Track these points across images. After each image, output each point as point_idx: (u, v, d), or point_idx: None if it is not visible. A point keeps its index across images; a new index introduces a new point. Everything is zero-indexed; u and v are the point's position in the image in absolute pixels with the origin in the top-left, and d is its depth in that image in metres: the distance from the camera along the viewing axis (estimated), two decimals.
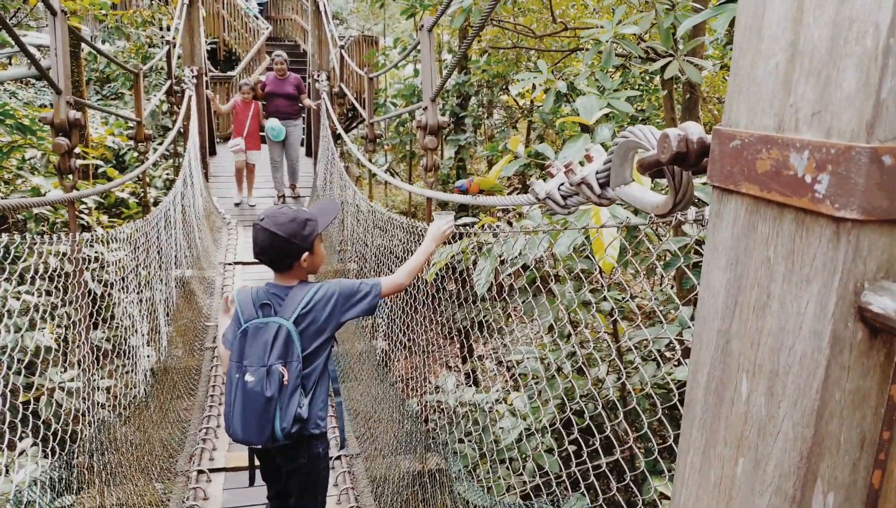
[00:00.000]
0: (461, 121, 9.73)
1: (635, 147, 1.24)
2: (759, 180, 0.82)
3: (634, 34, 3.55)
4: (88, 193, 3.43)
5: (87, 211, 7.03)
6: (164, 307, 5.02)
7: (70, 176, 3.36)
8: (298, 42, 15.05)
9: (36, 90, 14.52)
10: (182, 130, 8.46)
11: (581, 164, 1.48)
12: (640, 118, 7.45)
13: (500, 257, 2.66)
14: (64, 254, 4.56)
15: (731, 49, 6.47)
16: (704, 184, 2.34)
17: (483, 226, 2.68)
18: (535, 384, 3.60)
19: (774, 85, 0.81)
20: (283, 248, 2.23)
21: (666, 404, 3.81)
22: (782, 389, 0.77)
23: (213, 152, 10.49)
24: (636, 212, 2.46)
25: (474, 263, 2.85)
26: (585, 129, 3.14)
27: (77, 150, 6.94)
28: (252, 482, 2.56)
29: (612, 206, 2.26)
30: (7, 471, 3.32)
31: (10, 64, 14.92)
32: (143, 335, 4.43)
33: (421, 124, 3.33)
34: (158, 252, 4.84)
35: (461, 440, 3.76)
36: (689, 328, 3.26)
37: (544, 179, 1.72)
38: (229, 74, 12.56)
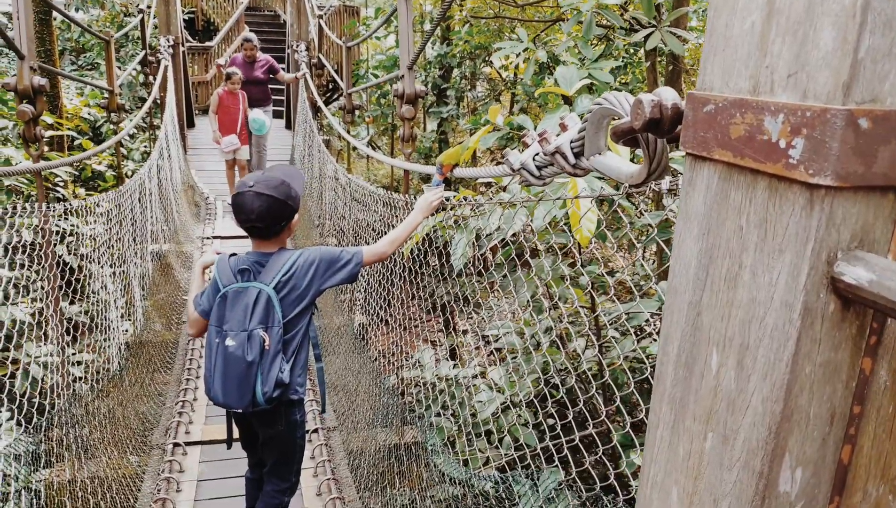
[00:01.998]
0: (443, 93, 9.62)
1: (610, 115, 1.20)
2: (732, 146, 0.79)
3: (616, 4, 3.49)
4: (56, 163, 3.33)
5: (62, 184, 6.89)
6: (140, 281, 4.94)
7: (36, 145, 3.25)
8: (278, 12, 14.76)
9: (10, 60, 14.19)
10: (158, 101, 8.26)
11: (556, 134, 1.45)
12: (623, 91, 7.41)
13: (477, 230, 2.63)
14: (37, 226, 4.46)
15: None
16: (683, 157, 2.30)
17: (460, 199, 2.64)
18: (513, 358, 3.59)
19: (750, 45, 0.78)
20: (279, 211, 2.22)
21: (640, 377, 3.82)
22: (752, 362, 0.74)
23: (191, 124, 10.30)
24: (617, 186, 2.43)
25: (452, 237, 2.81)
26: (567, 100, 3.10)
27: (49, 120, 6.81)
28: (229, 446, 2.56)
29: (589, 177, 2.23)
30: None
31: None
32: (117, 309, 4.36)
33: (398, 93, 3.26)
34: (133, 224, 4.74)
35: (438, 414, 3.76)
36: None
37: (520, 150, 1.69)
38: (207, 44, 12.31)
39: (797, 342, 0.69)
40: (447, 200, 2.50)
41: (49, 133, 6.41)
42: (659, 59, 4.94)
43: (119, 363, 4.06)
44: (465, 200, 2.62)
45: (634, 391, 2.36)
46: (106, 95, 7.30)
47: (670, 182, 1.14)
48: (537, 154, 1.53)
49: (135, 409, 3.89)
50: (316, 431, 3.94)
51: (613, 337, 3.62)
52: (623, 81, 7.63)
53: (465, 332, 6.78)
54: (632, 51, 7.35)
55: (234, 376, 2.18)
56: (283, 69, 10.87)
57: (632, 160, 1.75)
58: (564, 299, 3.93)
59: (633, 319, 3.59)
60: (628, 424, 2.19)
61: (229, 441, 2.55)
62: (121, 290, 4.59)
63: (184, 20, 13.70)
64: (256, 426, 2.44)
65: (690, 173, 0.89)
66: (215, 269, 2.33)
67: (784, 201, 0.71)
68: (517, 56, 4.97)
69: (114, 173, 7.89)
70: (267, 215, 2.22)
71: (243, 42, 8.42)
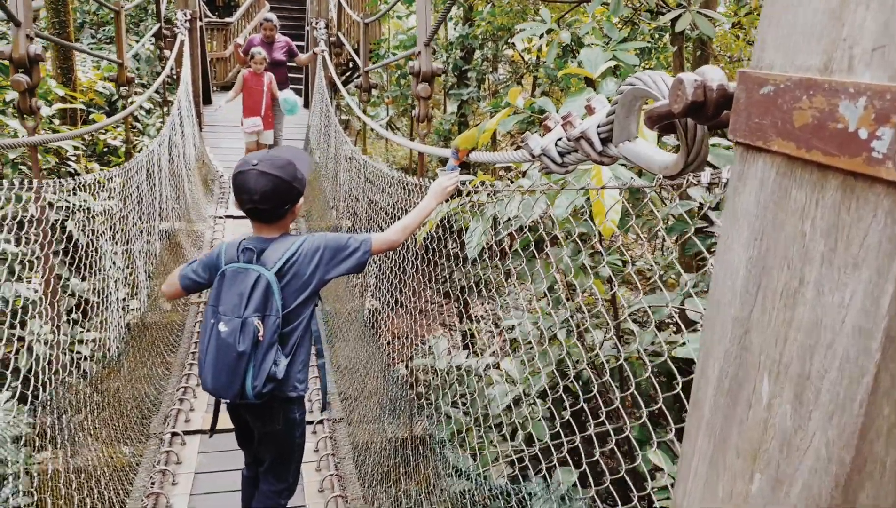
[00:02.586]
0: (464, 75, 9.44)
1: (643, 97, 1.07)
2: (795, 136, 0.66)
3: None
4: (52, 138, 3.20)
5: (74, 158, 6.84)
6: (146, 259, 4.86)
7: (32, 117, 3.15)
8: None
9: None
10: (174, 76, 8.15)
11: (581, 117, 1.32)
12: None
13: (494, 218, 2.50)
14: (46, 201, 4.40)
15: (744, 6, 6.18)
16: (714, 146, 2.16)
17: (477, 185, 2.51)
18: (530, 349, 3.47)
19: (822, 13, 0.65)
20: (285, 192, 2.09)
21: (659, 373, 3.69)
22: (815, 397, 0.62)
23: (207, 101, 10.21)
24: (641, 173, 2.29)
25: (468, 224, 2.69)
26: (590, 83, 2.94)
27: (60, 92, 6.73)
28: (211, 434, 2.43)
29: (615, 165, 2.09)
30: None
31: None
32: (117, 289, 4.27)
33: (413, 71, 3.11)
34: (139, 202, 4.65)
35: (453, 404, 3.66)
36: (692, 297, 3.13)
37: (541, 134, 1.56)
38: (227, 20, 12.18)
39: (875, 377, 0.57)
40: (463, 184, 2.37)
41: (56, 106, 6.33)
42: (686, 44, 4.75)
43: (118, 346, 3.94)
44: (483, 185, 2.49)
45: (652, 380, 2.24)
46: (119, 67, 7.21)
47: (711, 175, 1.01)
48: (560, 139, 1.40)
49: (133, 395, 3.79)
50: (321, 422, 3.82)
51: (632, 330, 3.49)
52: (647, 66, 7.41)
53: (480, 319, 6.67)
54: (657, 35, 7.13)
55: (223, 364, 2.05)
56: (303, 49, 10.72)
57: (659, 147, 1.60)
58: (583, 289, 3.81)
59: (655, 312, 3.45)
60: (644, 416, 2.06)
61: (212, 430, 2.41)
62: (123, 269, 4.51)
63: None
64: (251, 422, 2.31)
65: (741, 166, 0.76)
66: (221, 247, 2.22)
67: (863, 204, 0.59)
68: (540, 38, 4.80)
69: (125, 149, 7.84)
70: (272, 196, 2.08)
71: (263, 21, 8.11)
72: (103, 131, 7.75)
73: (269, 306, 2.05)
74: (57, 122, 6.91)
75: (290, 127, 9.79)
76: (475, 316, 6.65)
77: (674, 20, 3.67)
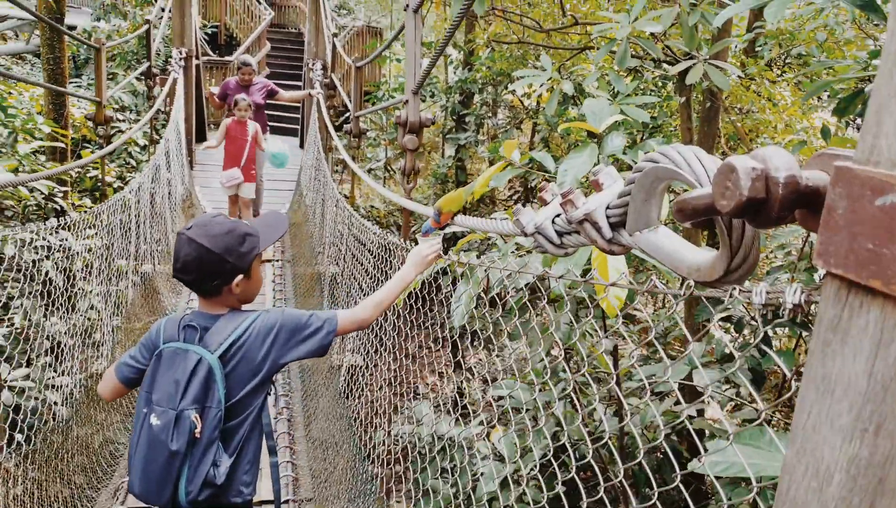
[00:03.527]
0: (462, 119, 9.30)
1: (669, 178, 0.81)
2: None
3: (653, 33, 3.11)
4: (16, 181, 2.92)
5: (61, 194, 6.63)
6: (111, 306, 4.55)
7: None
8: (301, 30, 14.60)
9: (31, 66, 14.12)
10: (165, 114, 7.97)
11: (585, 188, 1.06)
12: (650, 126, 7.02)
13: (484, 280, 2.24)
14: (25, 242, 4.16)
15: (755, 58, 6.02)
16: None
17: (459, 252, 2.24)
18: (521, 421, 3.18)
19: None
20: (211, 267, 1.77)
21: (658, 447, 3.39)
22: None
23: (202, 139, 10.04)
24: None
25: (454, 282, 2.41)
26: (594, 135, 2.71)
27: (46, 129, 6.54)
28: None
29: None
30: None
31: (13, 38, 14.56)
32: (69, 338, 3.97)
33: (400, 121, 2.87)
34: (109, 245, 4.38)
35: (436, 478, 3.34)
36: (697, 368, 2.85)
37: (532, 203, 1.29)
38: (226, 58, 12.11)
39: None
40: (445, 252, 2.10)
41: (37, 143, 6.12)
42: (694, 94, 4.55)
43: (66, 409, 3.55)
44: (464, 254, 2.21)
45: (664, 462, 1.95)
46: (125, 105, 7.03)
47: (767, 294, 0.74)
48: (559, 215, 1.14)
49: (82, 464, 3.44)
50: (286, 502, 3.44)
51: (635, 405, 3.20)
52: (652, 114, 7.26)
53: (472, 369, 6.34)
54: (660, 84, 6.98)
55: (153, 464, 1.74)
56: (300, 89, 10.56)
57: (676, 229, 1.33)
58: (583, 356, 3.52)
59: (658, 385, 3.17)
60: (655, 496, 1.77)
61: None
62: (82, 315, 4.21)
63: (206, 34, 13.59)
64: None
65: (839, 311, 0.49)
66: (160, 323, 1.92)
67: None
68: (540, 86, 4.61)
69: (118, 185, 7.62)
70: (194, 268, 1.78)
71: (241, 66, 7.53)
72: (94, 167, 7.55)
73: (209, 397, 1.74)
74: (42, 158, 6.71)
75: (287, 169, 9.60)
76: (467, 366, 6.33)
77: (683, 72, 3.46)
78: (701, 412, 3.48)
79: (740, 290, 0.77)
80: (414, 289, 2.80)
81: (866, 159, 0.47)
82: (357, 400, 3.59)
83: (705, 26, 4.13)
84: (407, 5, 2.80)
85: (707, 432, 3.09)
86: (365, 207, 11.20)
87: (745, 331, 3.26)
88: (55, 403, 3.79)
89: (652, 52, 3.07)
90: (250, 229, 1.86)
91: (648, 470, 1.52)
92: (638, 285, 1.37)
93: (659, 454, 3.54)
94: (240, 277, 1.82)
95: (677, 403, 3.48)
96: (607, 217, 0.97)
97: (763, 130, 7.46)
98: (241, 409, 1.80)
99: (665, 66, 4.76)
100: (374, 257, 3.12)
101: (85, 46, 12.08)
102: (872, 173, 0.45)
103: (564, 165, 2.21)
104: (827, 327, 0.50)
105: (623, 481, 1.68)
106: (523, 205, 1.30)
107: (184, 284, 1.89)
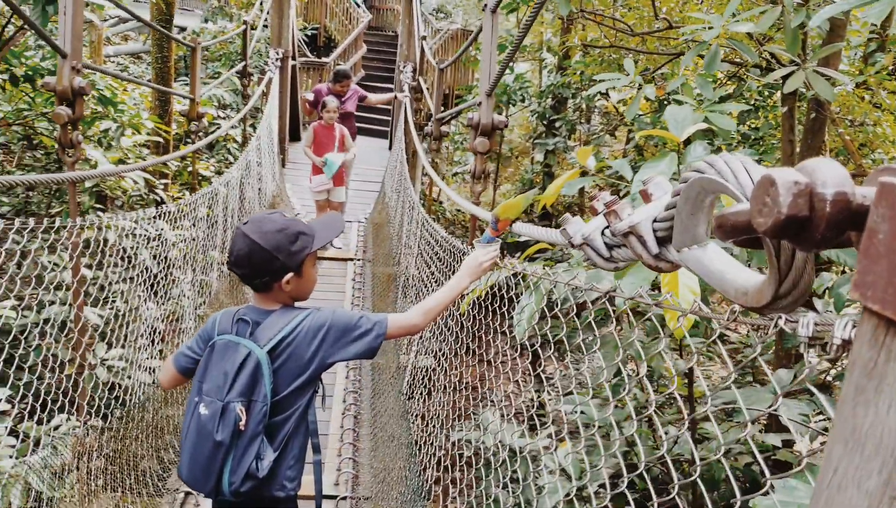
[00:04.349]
0: (553, 124, 9.16)
1: (716, 191, 0.73)
2: None
3: (750, 34, 2.93)
4: (86, 174, 3.06)
5: (162, 187, 7.01)
6: (196, 296, 4.73)
7: (72, 151, 3.05)
8: (398, 33, 14.88)
9: (146, 64, 15.03)
10: (259, 112, 8.26)
11: (633, 202, 0.98)
12: (752, 137, 6.66)
13: (549, 293, 2.16)
14: (125, 230, 4.43)
15: (872, 65, 5.60)
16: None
17: (522, 263, 2.17)
18: (590, 437, 3.07)
19: None
20: (261, 264, 1.79)
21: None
22: None
23: (296, 138, 10.35)
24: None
25: (517, 294, 2.34)
26: (680, 146, 2.58)
27: (150, 124, 6.91)
28: None
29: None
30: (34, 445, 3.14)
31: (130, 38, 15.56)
32: (149, 326, 4.15)
33: (472, 123, 2.82)
34: (194, 239, 4.57)
35: (499, 487, 3.27)
36: (777, 393, 2.66)
37: (579, 212, 1.22)
38: (323, 60, 12.45)
39: None
40: (501, 259, 2.03)
41: (136, 137, 6.48)
42: (798, 103, 4.26)
43: (142, 392, 3.73)
44: (531, 263, 2.14)
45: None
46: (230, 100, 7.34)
47: (815, 327, 0.65)
48: (608, 227, 1.07)
49: (154, 443, 3.57)
50: (344, 499, 3.44)
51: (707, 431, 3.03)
52: (754, 124, 6.89)
53: (548, 380, 6.20)
54: (766, 93, 6.61)
55: (199, 453, 1.78)
56: (391, 89, 10.69)
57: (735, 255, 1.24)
58: (658, 375, 3.36)
59: (738, 413, 2.99)
60: None
61: None
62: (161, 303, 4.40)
63: (306, 36, 14.02)
64: None
65: (876, 355, 0.42)
66: (216, 315, 1.96)
67: None
68: (628, 89, 4.45)
69: (210, 180, 7.98)
70: (245, 263, 1.81)
71: (342, 78, 7.41)
72: (195, 160, 7.96)
73: (256, 391, 1.76)
74: (146, 151, 7.11)
75: (374, 169, 9.76)
76: (546, 376, 6.20)
77: (784, 78, 3.25)
78: (789, 444, 3.26)
79: (786, 319, 0.68)
80: (495, 290, 2.74)
81: None
82: (421, 402, 3.57)
83: (816, 32, 3.87)
84: (485, 5, 2.76)
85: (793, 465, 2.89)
86: (451, 209, 11.24)
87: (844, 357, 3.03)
88: (144, 383, 3.99)
89: (747, 56, 2.90)
90: (305, 228, 1.87)
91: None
92: (716, 313, 1.27)
93: (739, 483, 3.34)
94: (290, 274, 1.83)
95: (763, 431, 3.27)
96: (654, 231, 0.90)
97: (878, 144, 6.93)
98: (287, 405, 1.82)
99: (768, 72, 4.49)
100: (442, 261, 3.08)
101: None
102: None
103: (640, 175, 2.11)
104: (861, 371, 0.42)
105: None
106: None
107: (238, 277, 1.93)
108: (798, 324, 0.66)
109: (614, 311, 2.22)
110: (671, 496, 1.38)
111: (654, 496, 1.43)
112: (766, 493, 1.98)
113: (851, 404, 0.42)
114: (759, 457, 0.98)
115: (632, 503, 1.78)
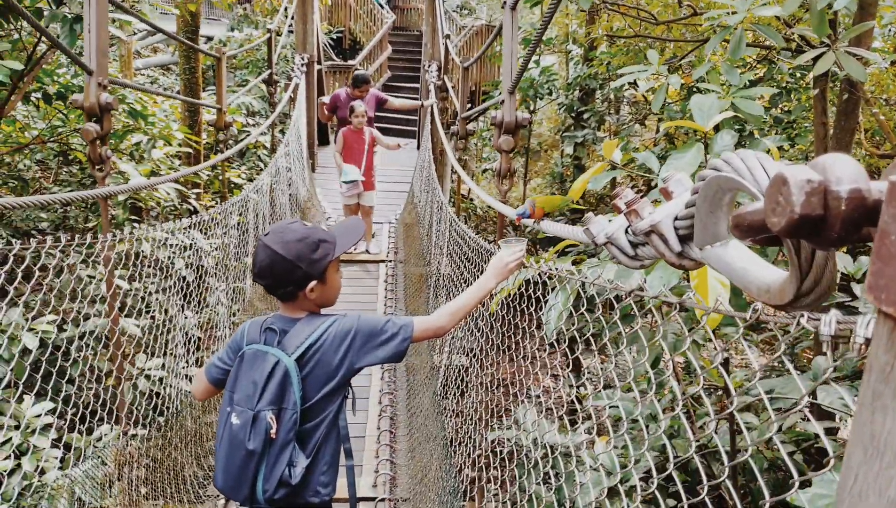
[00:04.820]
0: (581, 116, 9.08)
1: (733, 189, 0.72)
2: None
3: (777, 17, 2.87)
4: (117, 190, 3.12)
5: (194, 196, 7.13)
6: (231, 302, 4.80)
7: (101, 166, 3.11)
8: (422, 32, 14.88)
9: (175, 76, 15.29)
10: (287, 118, 8.33)
11: (655, 201, 0.97)
12: (784, 121, 6.51)
13: (578, 293, 2.14)
14: (159, 242, 4.52)
15: None
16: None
17: (549, 263, 2.16)
18: (631, 429, 3.04)
19: None
20: (284, 273, 1.81)
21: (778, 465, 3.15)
22: None
23: (324, 142, 10.42)
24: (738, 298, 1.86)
25: (545, 293, 2.32)
26: (706, 135, 2.54)
27: (179, 135, 7.03)
28: None
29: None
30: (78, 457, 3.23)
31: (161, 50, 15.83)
32: (186, 334, 4.22)
33: (496, 121, 2.81)
34: (227, 247, 4.63)
35: (538, 483, 3.25)
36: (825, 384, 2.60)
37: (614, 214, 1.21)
38: (349, 63, 12.52)
39: None
40: (528, 258, 2.02)
41: (167, 149, 6.60)
42: (831, 84, 4.16)
43: (178, 403, 3.78)
44: (553, 264, 2.11)
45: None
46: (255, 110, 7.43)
47: (838, 324, 0.64)
48: (631, 226, 1.06)
49: (195, 451, 3.64)
50: (382, 501, 3.45)
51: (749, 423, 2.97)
52: (787, 107, 6.73)
53: (588, 371, 6.16)
54: (798, 75, 6.46)
55: (232, 462, 1.81)
56: (418, 91, 10.68)
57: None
58: (694, 367, 3.31)
59: (777, 400, 2.93)
60: None
61: None
62: (196, 312, 4.47)
63: (332, 39, 14.12)
64: None
65: (892, 359, 0.41)
66: (245, 325, 1.99)
67: None
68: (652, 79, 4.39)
69: (242, 188, 8.08)
70: (268, 274, 1.83)
71: (362, 83, 7.28)
72: (227, 169, 8.07)
73: (286, 399, 1.78)
74: (178, 162, 7.24)
75: (403, 169, 9.77)
76: (586, 368, 6.15)
77: (815, 59, 3.17)
78: (832, 432, 3.19)
79: (809, 317, 0.67)
80: (522, 290, 2.73)
81: None
82: (454, 402, 3.57)
83: (844, 12, 3.77)
84: (504, 2, 2.74)
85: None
86: (482, 206, 11.22)
87: None
88: (183, 391, 4.07)
89: (773, 40, 2.84)
90: (326, 236, 1.88)
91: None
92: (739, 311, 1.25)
93: (779, 473, 3.28)
94: (314, 282, 1.84)
95: (805, 419, 3.20)
96: (675, 229, 0.89)
97: None
98: (317, 412, 1.84)
99: (797, 55, 4.38)
100: (470, 261, 3.08)
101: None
102: None
103: (666, 168, 2.09)
104: (877, 376, 0.41)
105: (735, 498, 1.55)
106: None
107: (263, 288, 1.95)
108: (820, 322, 0.64)
109: (644, 305, 2.20)
110: (717, 481, 1.36)
111: (703, 484, 1.41)
112: (802, 487, 1.95)
113: (869, 409, 0.41)
114: (784, 452, 0.96)
115: (682, 492, 1.76)
